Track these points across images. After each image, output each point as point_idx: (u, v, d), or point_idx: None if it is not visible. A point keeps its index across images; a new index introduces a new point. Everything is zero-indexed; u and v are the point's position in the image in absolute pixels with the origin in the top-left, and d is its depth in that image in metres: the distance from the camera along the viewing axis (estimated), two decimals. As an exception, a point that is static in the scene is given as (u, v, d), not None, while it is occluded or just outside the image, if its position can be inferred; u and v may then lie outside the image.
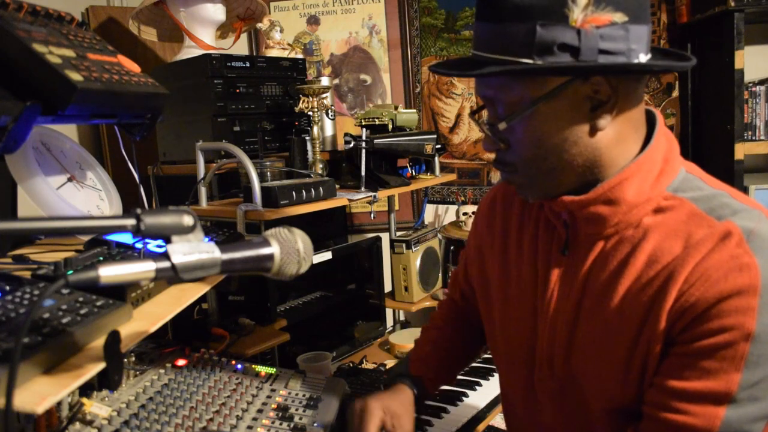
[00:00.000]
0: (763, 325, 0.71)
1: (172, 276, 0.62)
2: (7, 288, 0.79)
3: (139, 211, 0.61)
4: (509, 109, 0.81)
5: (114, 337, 0.71)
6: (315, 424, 1.03)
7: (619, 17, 0.74)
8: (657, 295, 0.78)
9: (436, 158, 2.14)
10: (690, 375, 0.75)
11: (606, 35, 0.74)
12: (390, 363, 1.66)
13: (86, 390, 0.95)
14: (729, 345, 0.72)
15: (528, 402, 0.98)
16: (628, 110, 0.81)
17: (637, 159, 0.82)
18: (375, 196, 1.80)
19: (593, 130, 0.80)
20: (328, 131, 2.16)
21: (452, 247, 2.46)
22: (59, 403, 0.87)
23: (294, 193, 1.53)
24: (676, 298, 0.76)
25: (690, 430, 0.75)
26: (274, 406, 1.07)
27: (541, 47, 0.74)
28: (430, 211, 3.00)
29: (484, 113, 0.92)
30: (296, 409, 1.06)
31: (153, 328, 0.82)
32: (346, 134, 1.83)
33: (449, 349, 1.22)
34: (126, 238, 1.03)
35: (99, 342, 0.72)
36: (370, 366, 1.69)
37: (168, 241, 0.63)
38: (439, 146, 2.06)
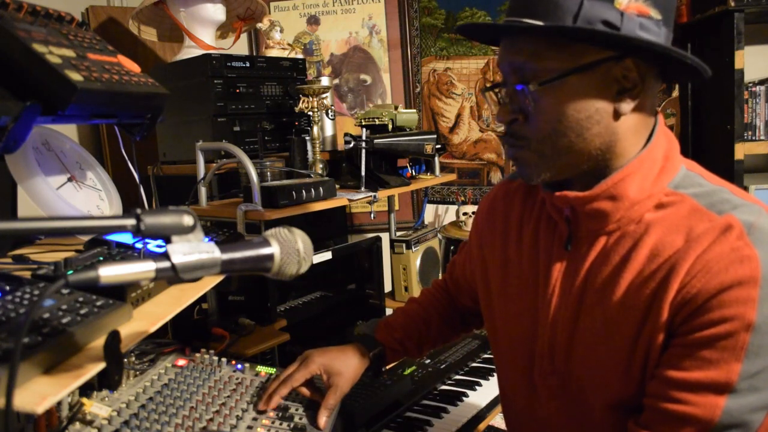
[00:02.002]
0: (763, 316, 0.72)
1: (172, 276, 0.62)
2: (7, 288, 0.79)
3: (139, 211, 0.61)
4: (540, 76, 0.80)
5: (114, 337, 0.71)
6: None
7: (655, 14, 0.77)
8: (659, 288, 0.78)
9: (436, 158, 2.14)
10: (690, 365, 0.76)
11: (644, 25, 0.76)
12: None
13: (86, 390, 0.95)
14: (729, 335, 0.73)
15: (528, 398, 0.98)
16: (645, 105, 0.83)
17: (638, 156, 0.83)
18: (375, 196, 1.80)
19: (616, 115, 0.81)
20: (328, 131, 2.16)
21: (452, 247, 2.46)
22: (59, 403, 0.87)
23: (294, 193, 1.53)
24: (677, 290, 0.77)
25: (690, 420, 0.75)
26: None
27: (585, 19, 0.76)
28: (430, 211, 3.00)
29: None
30: (296, 409, 1.06)
31: (153, 328, 0.82)
32: (346, 134, 1.83)
33: (421, 324, 1.23)
34: (126, 238, 1.03)
35: (99, 342, 0.72)
36: (370, 366, 1.68)
37: (168, 241, 0.63)
38: (439, 146, 2.06)
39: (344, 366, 1.11)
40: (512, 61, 0.83)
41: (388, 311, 2.30)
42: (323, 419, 1.03)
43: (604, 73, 0.79)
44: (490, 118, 2.79)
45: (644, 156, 0.83)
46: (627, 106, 0.80)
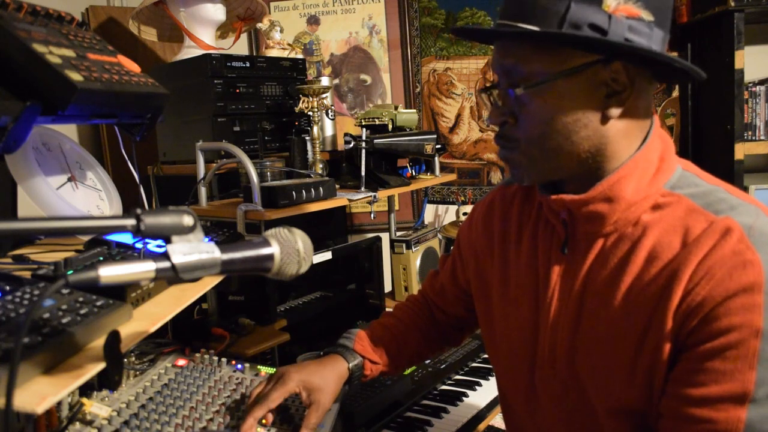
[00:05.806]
0: None
1: (172, 276, 0.62)
2: (7, 288, 0.79)
3: (139, 211, 0.61)
4: (527, 80, 0.81)
5: (114, 337, 0.71)
6: (315, 424, 1.03)
7: (646, 15, 0.76)
8: (662, 294, 0.77)
9: (436, 158, 2.14)
10: (705, 380, 0.74)
11: (633, 27, 0.76)
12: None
13: (86, 390, 0.95)
14: (739, 344, 0.72)
15: (529, 403, 0.97)
16: (637, 108, 0.82)
17: (633, 157, 0.83)
18: (375, 196, 1.80)
19: (605, 118, 0.81)
20: (328, 131, 2.16)
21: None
22: (59, 403, 0.87)
23: (294, 193, 1.53)
24: (681, 297, 0.76)
25: None
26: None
27: (572, 23, 0.76)
28: (430, 211, 3.00)
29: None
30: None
31: (153, 328, 0.82)
32: (346, 134, 1.83)
33: (400, 339, 1.18)
34: (126, 238, 1.03)
35: (99, 342, 0.73)
36: (370, 366, 1.69)
37: (168, 241, 0.63)
38: (439, 146, 2.06)
39: (323, 381, 1.04)
40: (502, 64, 0.84)
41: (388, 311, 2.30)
42: None
43: (592, 76, 0.79)
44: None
45: (639, 157, 0.82)
46: (615, 110, 0.80)
